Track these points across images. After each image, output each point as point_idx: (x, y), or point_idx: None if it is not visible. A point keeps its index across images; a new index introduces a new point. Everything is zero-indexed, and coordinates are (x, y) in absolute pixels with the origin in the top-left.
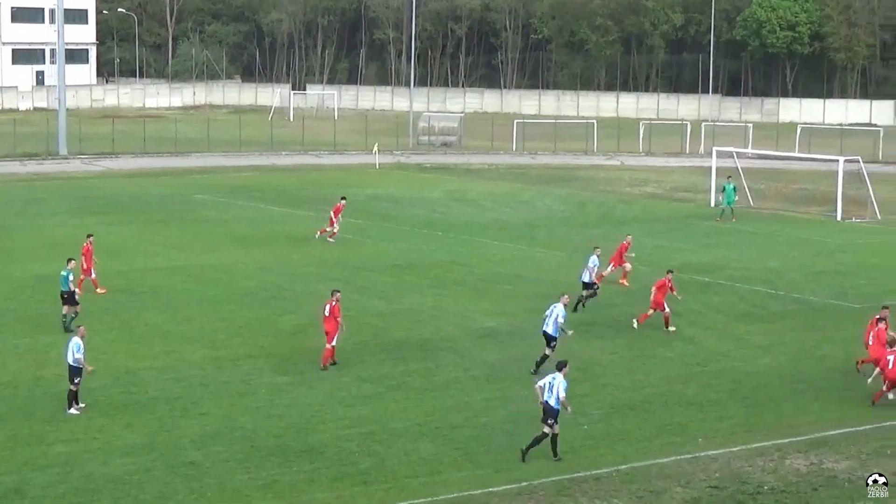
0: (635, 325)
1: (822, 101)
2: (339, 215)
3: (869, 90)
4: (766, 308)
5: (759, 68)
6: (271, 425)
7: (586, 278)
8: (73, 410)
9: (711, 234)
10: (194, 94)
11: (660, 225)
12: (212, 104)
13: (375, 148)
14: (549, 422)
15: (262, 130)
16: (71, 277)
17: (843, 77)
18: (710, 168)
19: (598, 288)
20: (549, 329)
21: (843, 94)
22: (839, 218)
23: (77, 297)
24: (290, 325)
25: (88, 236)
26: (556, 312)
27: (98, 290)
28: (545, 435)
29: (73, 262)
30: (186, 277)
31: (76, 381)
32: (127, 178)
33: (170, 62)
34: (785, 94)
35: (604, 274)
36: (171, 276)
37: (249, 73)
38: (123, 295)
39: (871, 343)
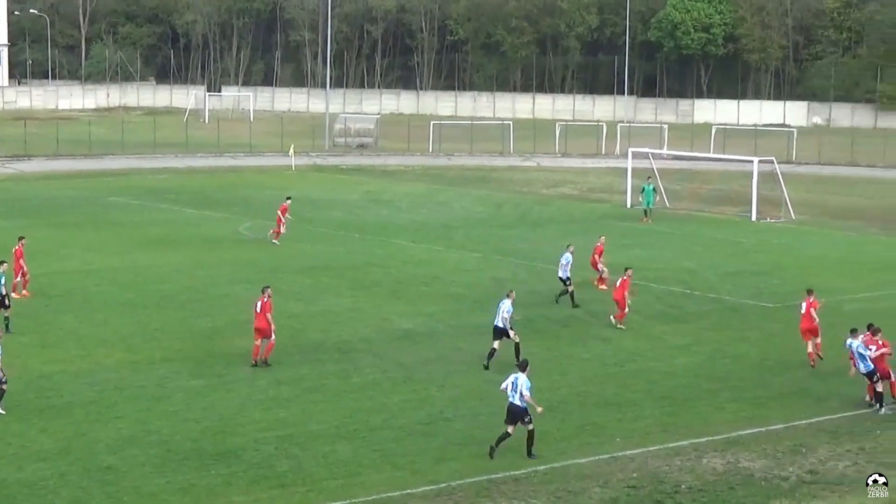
0: (615, 323)
1: (736, 101)
2: (287, 214)
3: (782, 91)
4: (682, 308)
5: (673, 69)
6: (188, 429)
7: (562, 274)
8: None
9: (627, 234)
10: (108, 95)
11: (576, 226)
12: (126, 106)
13: (292, 150)
14: (526, 419)
15: (177, 132)
16: (3, 280)
17: (757, 78)
18: (625, 169)
19: (570, 284)
20: (499, 323)
21: (757, 95)
22: (754, 218)
23: (9, 300)
24: (206, 328)
25: (20, 239)
26: (503, 307)
27: (23, 292)
28: (506, 435)
29: (4, 264)
30: (101, 280)
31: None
32: (40, 180)
33: (83, 64)
34: (700, 95)
35: (604, 277)
36: (85, 279)
37: (164, 75)
38: (37, 298)
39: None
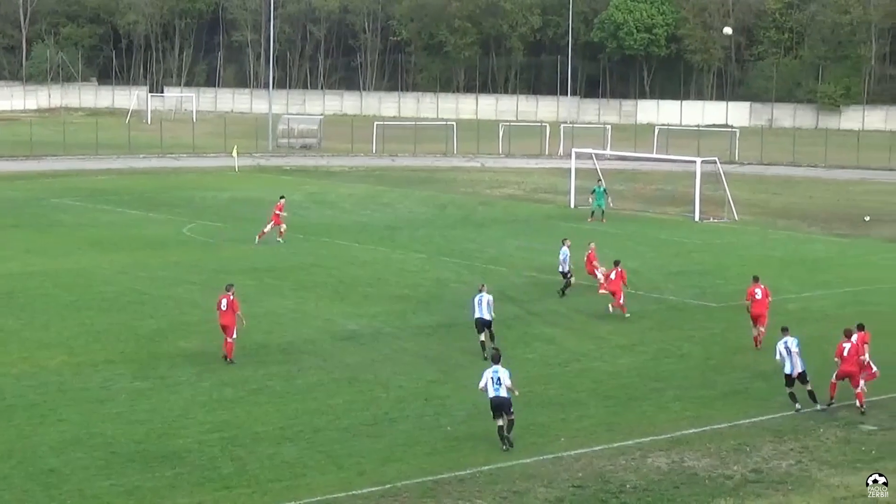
0: (615, 311)
1: (678, 102)
2: (283, 212)
3: (725, 92)
4: (626, 308)
5: (616, 70)
6: (132, 431)
7: (562, 269)
8: None
9: (571, 234)
10: (49, 96)
11: (520, 226)
12: (67, 107)
13: (235, 151)
14: (511, 409)
15: (119, 133)
16: None
17: (700, 79)
18: (569, 169)
19: (571, 276)
20: (485, 315)
21: (700, 96)
22: (697, 218)
23: None
24: (149, 330)
25: None
26: (485, 299)
27: None
28: (501, 427)
29: None
30: (43, 282)
31: None
32: None
33: (24, 64)
34: (643, 96)
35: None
36: (27, 281)
37: (106, 76)
38: None
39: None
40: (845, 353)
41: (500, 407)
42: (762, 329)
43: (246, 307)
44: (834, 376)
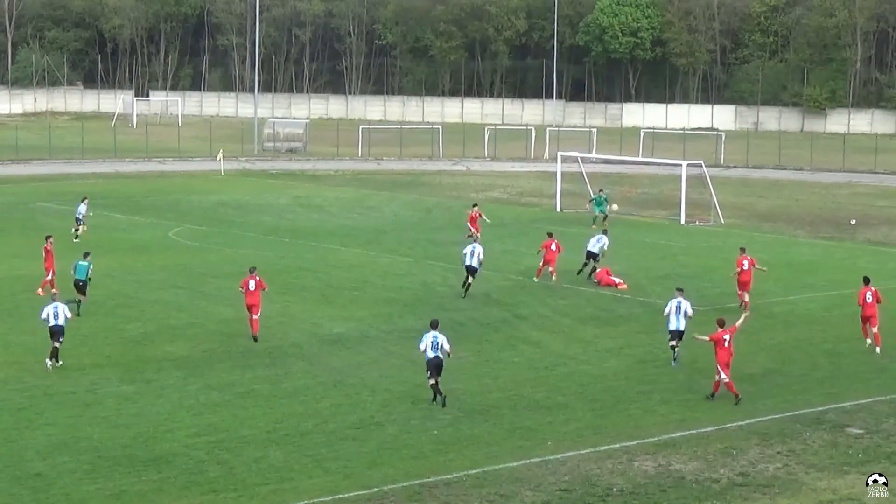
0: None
1: (664, 105)
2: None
3: (710, 95)
4: (613, 311)
5: (602, 74)
6: (118, 435)
7: (592, 249)
8: None
9: (557, 238)
10: (35, 100)
11: (506, 229)
12: (53, 111)
13: (220, 154)
14: (438, 377)
15: (105, 137)
16: None
17: (685, 82)
18: (554, 173)
19: (597, 261)
20: (473, 263)
21: (685, 99)
22: (683, 221)
23: None
24: (136, 334)
25: None
26: (477, 251)
27: None
28: (434, 384)
29: None
30: (29, 286)
31: None
32: None
33: (9, 68)
34: (628, 99)
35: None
36: (13, 285)
37: (91, 80)
38: None
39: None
40: (868, 299)
41: (437, 367)
42: (747, 300)
43: (232, 311)
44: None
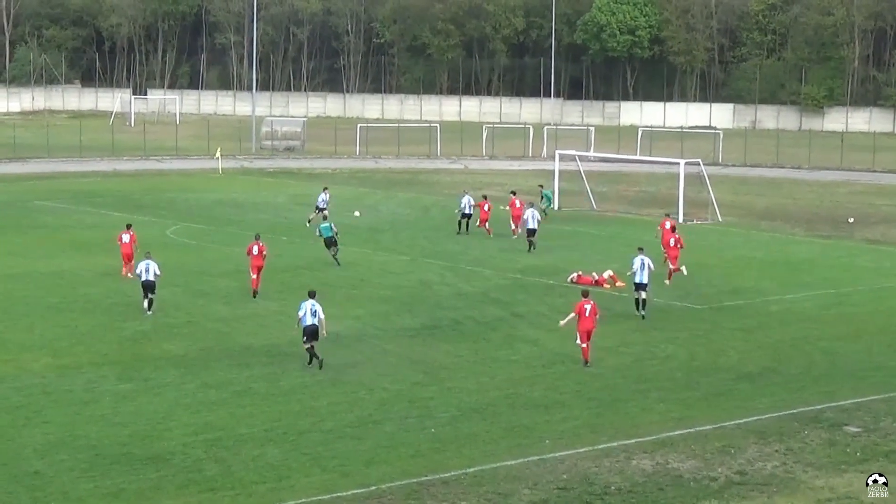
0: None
1: (662, 104)
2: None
3: (708, 93)
4: (610, 309)
5: (600, 72)
6: (116, 433)
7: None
8: None
9: (554, 236)
10: (33, 98)
11: (503, 228)
12: (51, 109)
13: (218, 153)
14: (314, 342)
15: (103, 136)
16: None
17: (683, 80)
18: (552, 171)
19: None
20: (534, 225)
21: (683, 98)
22: (680, 220)
23: None
24: (133, 332)
25: None
26: (535, 213)
27: None
28: (311, 348)
29: None
30: (27, 285)
31: None
32: None
33: (7, 67)
34: (626, 98)
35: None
36: (10, 283)
37: (89, 78)
38: None
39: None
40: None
41: (313, 334)
42: (673, 266)
43: (229, 309)
44: None
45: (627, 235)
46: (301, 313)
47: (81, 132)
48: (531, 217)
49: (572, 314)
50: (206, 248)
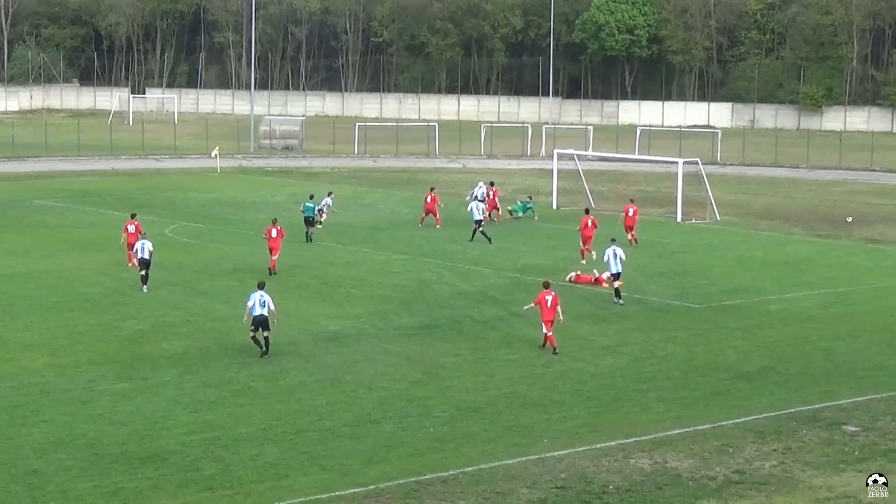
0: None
1: (660, 103)
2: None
3: (706, 92)
4: (609, 309)
5: (598, 71)
6: (115, 432)
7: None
8: None
9: (553, 236)
10: (31, 97)
11: (502, 227)
12: (49, 108)
13: (216, 152)
14: (269, 327)
15: (101, 134)
16: None
17: (682, 80)
18: (551, 170)
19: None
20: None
21: (682, 97)
22: (679, 219)
23: None
24: (132, 331)
25: None
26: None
27: None
28: (254, 337)
29: None
30: (25, 284)
31: None
32: None
33: (5, 65)
34: (624, 97)
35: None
36: (8, 282)
37: (87, 77)
38: None
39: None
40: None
41: (262, 323)
42: (589, 247)
43: (228, 308)
44: None
45: (625, 234)
46: (250, 304)
47: (80, 131)
48: (475, 209)
49: (533, 304)
50: (205, 248)
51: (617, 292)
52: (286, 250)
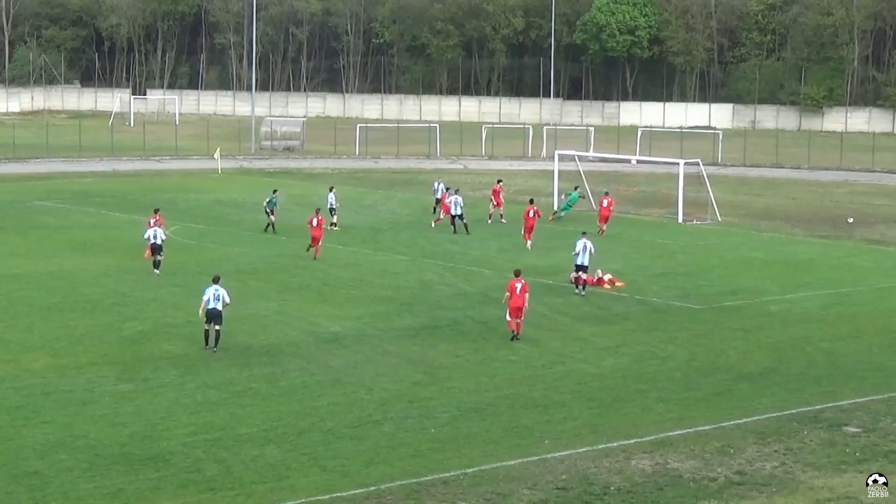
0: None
1: (661, 104)
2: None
3: (707, 93)
4: (610, 310)
5: (599, 72)
6: (116, 433)
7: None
8: None
9: (553, 236)
10: (32, 99)
11: (504, 228)
12: (50, 109)
13: (217, 153)
14: (221, 321)
15: (102, 136)
16: None
17: (683, 81)
18: (552, 171)
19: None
20: (458, 211)
21: (683, 98)
22: (680, 220)
23: None
24: (133, 332)
25: None
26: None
27: None
28: (207, 332)
29: None
30: (26, 285)
31: None
32: None
33: (7, 67)
34: (625, 98)
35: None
36: (9, 283)
37: (89, 78)
38: None
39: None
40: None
41: (214, 317)
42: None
43: (229, 309)
44: None
45: (627, 235)
46: (206, 297)
47: (81, 132)
48: (454, 203)
49: (507, 294)
50: (206, 248)
51: (577, 283)
52: (287, 251)
